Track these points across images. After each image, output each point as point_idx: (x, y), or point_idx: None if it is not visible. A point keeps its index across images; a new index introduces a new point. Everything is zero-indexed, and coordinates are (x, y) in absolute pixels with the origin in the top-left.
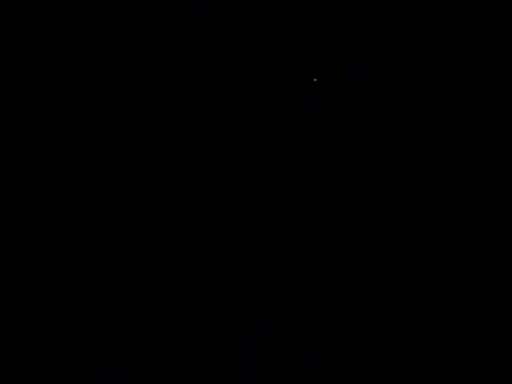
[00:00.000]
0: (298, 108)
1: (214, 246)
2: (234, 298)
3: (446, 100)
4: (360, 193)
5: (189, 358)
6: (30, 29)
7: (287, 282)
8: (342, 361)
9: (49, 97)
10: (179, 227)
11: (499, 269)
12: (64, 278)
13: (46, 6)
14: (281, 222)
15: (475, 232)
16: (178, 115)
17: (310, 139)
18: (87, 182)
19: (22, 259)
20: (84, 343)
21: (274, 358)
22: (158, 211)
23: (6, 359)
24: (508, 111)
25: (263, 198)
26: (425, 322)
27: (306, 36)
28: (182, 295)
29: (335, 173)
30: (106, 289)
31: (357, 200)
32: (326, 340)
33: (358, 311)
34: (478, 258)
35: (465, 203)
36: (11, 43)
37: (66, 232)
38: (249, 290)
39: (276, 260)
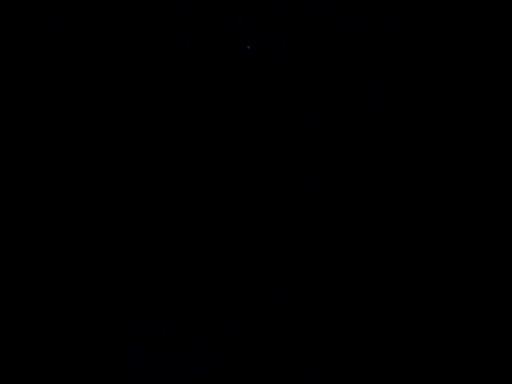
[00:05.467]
0: (300, 108)
1: (215, 246)
2: (235, 298)
3: (446, 100)
4: (361, 194)
5: (189, 359)
6: (30, 29)
7: (289, 283)
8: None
9: (48, 96)
10: (179, 227)
11: (499, 269)
12: (64, 279)
13: (46, 5)
14: (283, 222)
15: (475, 233)
16: (179, 115)
17: (312, 139)
18: (87, 182)
19: (22, 259)
20: (83, 345)
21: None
22: (158, 211)
23: (5, 359)
24: (508, 111)
25: (264, 198)
26: (426, 325)
27: (306, 36)
28: (181, 295)
29: (335, 175)
30: (106, 289)
31: (358, 202)
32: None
33: (358, 313)
34: (478, 259)
35: (465, 205)
36: (11, 43)
37: (65, 232)
38: (249, 290)
39: (277, 260)
